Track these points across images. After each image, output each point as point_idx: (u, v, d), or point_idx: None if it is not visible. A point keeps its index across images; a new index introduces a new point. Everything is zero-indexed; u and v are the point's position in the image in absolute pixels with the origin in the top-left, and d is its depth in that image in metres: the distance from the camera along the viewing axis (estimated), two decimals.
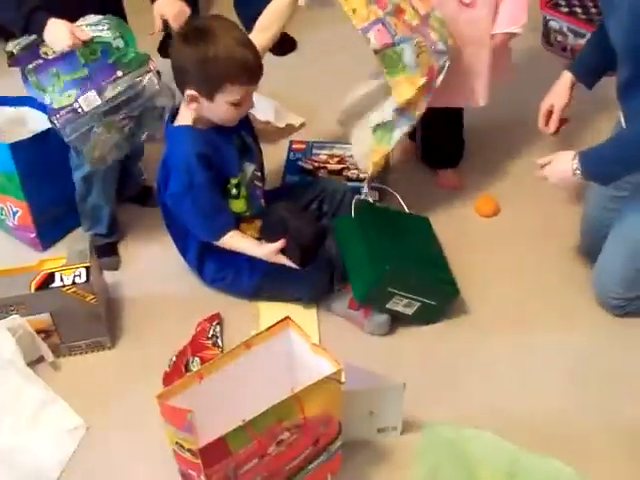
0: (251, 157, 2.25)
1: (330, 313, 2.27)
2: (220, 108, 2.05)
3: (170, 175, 2.13)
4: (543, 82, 2.34)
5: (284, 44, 3.30)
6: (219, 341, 2.19)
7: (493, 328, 2.23)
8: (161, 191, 2.25)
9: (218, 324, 2.23)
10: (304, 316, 2.24)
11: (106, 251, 2.45)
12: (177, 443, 1.63)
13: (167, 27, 2.26)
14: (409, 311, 2.17)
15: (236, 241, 2.18)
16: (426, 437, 1.94)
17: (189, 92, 2.03)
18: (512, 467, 1.86)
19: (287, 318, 1.75)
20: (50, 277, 2.07)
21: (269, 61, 2.10)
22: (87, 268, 2.08)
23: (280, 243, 2.09)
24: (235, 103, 2.04)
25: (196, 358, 2.14)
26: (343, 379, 1.67)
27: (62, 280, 2.06)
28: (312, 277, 2.22)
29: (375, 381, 1.90)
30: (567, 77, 2.26)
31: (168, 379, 2.10)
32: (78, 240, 2.20)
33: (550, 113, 2.28)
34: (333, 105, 2.51)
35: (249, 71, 2.01)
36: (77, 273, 2.07)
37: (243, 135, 2.23)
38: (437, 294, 2.16)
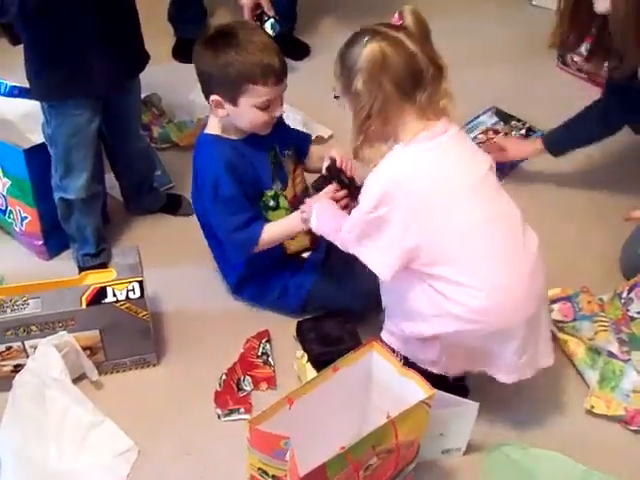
0: (282, 176, 2.19)
1: None
2: (246, 112, 2.01)
3: (199, 190, 2.10)
4: (556, 102, 2.37)
5: (298, 49, 3.29)
6: (270, 359, 2.13)
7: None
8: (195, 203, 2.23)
9: (267, 342, 2.17)
10: None
11: None
12: (259, 469, 1.59)
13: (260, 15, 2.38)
14: None
15: (273, 232, 2.10)
16: (491, 458, 1.92)
17: (213, 97, 2.00)
18: None
19: (372, 340, 1.72)
20: (102, 292, 1.98)
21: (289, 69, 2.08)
22: (140, 282, 2.00)
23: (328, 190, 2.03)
24: (261, 106, 1.99)
25: (247, 377, 2.09)
26: None
27: (115, 295, 1.97)
28: (364, 287, 2.13)
29: (448, 401, 1.87)
30: (538, 143, 2.58)
31: (220, 398, 2.04)
32: (125, 253, 2.10)
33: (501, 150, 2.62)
34: None
35: (270, 71, 1.97)
36: (130, 288, 1.99)
37: (277, 150, 2.17)
38: None
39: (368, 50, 1.64)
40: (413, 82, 1.65)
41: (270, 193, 2.15)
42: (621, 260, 2.36)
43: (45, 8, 1.93)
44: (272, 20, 2.85)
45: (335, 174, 2.05)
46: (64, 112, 2.10)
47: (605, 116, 2.45)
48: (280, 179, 2.18)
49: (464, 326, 1.71)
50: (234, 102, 1.99)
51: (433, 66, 1.67)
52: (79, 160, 2.19)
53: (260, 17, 2.85)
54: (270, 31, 2.80)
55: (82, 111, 2.12)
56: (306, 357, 2.06)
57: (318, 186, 2.07)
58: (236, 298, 2.30)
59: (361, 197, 1.76)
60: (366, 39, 1.66)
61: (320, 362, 2.00)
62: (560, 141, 2.55)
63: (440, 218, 1.69)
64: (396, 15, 1.70)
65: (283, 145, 2.19)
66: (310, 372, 2.02)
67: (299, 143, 2.27)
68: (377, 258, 1.74)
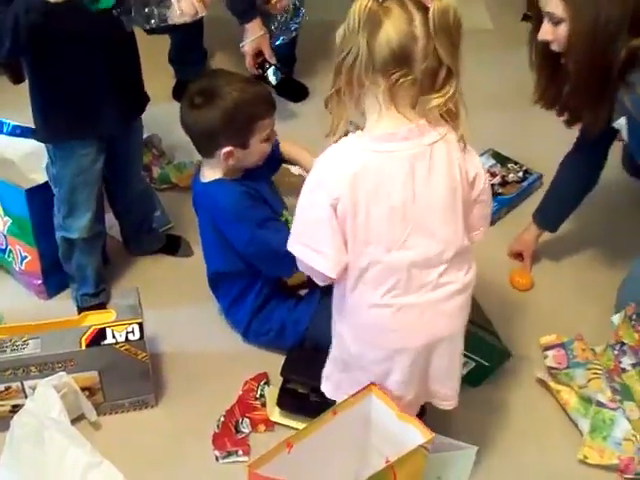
0: (282, 203, 2.26)
1: None
2: (256, 150, 2.06)
3: (229, 233, 2.10)
4: (552, 144, 2.45)
5: (298, 91, 3.32)
6: None
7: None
8: (208, 257, 2.24)
9: (266, 384, 2.17)
10: None
11: None
12: None
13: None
14: (464, 371, 2.15)
15: None
16: None
17: (224, 150, 2.02)
18: None
19: (371, 384, 1.72)
20: (101, 333, 1.98)
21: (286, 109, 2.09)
22: (140, 324, 2.01)
23: None
24: (267, 138, 2.06)
25: (245, 419, 2.09)
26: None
27: (114, 336, 1.98)
28: None
29: (446, 445, 1.87)
30: (533, 228, 2.54)
31: (218, 440, 2.04)
32: (125, 295, 2.12)
33: (519, 256, 2.57)
34: None
35: (269, 102, 2.06)
36: (130, 329, 1.99)
37: (271, 182, 2.25)
38: (492, 355, 2.16)
39: (360, 2, 1.47)
40: (393, 58, 1.47)
41: (286, 213, 2.21)
42: (617, 305, 2.37)
43: (47, 50, 1.95)
44: (274, 68, 2.89)
45: None
46: (69, 153, 2.12)
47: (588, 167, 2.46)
48: (283, 205, 2.24)
49: None
50: (245, 146, 2.03)
51: (435, 61, 1.48)
52: (83, 200, 2.20)
53: (262, 65, 2.89)
54: (272, 78, 2.84)
55: (88, 151, 2.14)
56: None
57: None
58: (235, 339, 2.30)
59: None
60: None
61: (283, 389, 2.07)
62: (551, 216, 2.55)
63: (362, 231, 1.57)
64: None
65: (268, 177, 2.26)
66: (271, 398, 2.10)
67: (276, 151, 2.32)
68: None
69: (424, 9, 1.46)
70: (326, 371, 1.84)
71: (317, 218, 1.56)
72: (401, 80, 1.48)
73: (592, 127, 2.17)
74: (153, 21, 1.91)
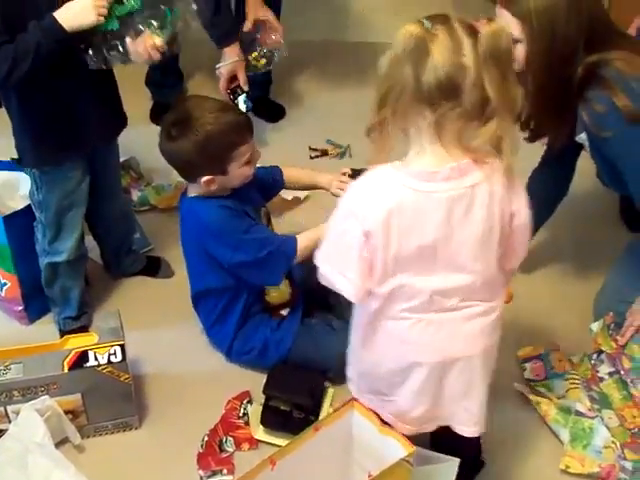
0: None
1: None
2: (236, 174, 2.08)
3: (214, 248, 2.12)
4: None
5: (274, 111, 3.34)
6: None
7: None
8: (192, 274, 2.26)
9: (249, 402, 2.19)
10: None
11: None
12: None
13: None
14: None
15: (306, 240, 2.15)
16: None
17: (204, 179, 2.05)
18: None
19: (352, 400, 1.75)
20: (83, 356, 1.99)
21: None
22: (122, 346, 2.02)
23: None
24: (247, 162, 2.08)
25: (229, 438, 2.10)
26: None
27: (97, 359, 1.99)
28: (340, 347, 2.19)
29: (428, 458, 1.89)
30: None
31: (202, 460, 2.05)
32: (106, 317, 2.13)
33: None
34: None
35: (245, 127, 2.07)
36: (112, 351, 2.01)
37: (255, 206, 2.25)
38: None
39: (406, 29, 1.40)
40: (440, 90, 1.40)
41: None
42: (594, 313, 2.40)
43: (35, 80, 1.95)
44: (244, 96, 2.89)
45: None
46: (56, 176, 2.14)
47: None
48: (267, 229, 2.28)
49: None
50: (224, 172, 2.06)
51: (483, 92, 1.40)
52: (70, 222, 2.22)
53: (234, 91, 2.89)
54: (242, 106, 2.85)
55: (74, 173, 2.16)
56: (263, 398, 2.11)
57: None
58: (217, 359, 2.32)
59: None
60: (424, 21, 1.42)
61: (266, 407, 2.09)
62: None
63: (391, 263, 1.55)
64: (483, 20, 1.46)
65: (258, 200, 2.28)
66: (255, 416, 2.12)
67: (272, 178, 2.37)
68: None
69: (474, 34, 1.41)
70: (349, 373, 1.83)
71: (348, 245, 1.54)
72: (448, 113, 1.42)
73: (555, 142, 2.24)
74: (110, 63, 1.97)
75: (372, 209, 1.50)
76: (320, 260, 1.62)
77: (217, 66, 2.87)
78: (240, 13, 2.95)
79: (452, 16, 1.44)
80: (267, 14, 2.91)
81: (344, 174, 2.30)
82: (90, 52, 1.93)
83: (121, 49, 1.94)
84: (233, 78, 2.88)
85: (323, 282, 1.64)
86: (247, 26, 2.89)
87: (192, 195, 2.16)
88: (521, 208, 1.60)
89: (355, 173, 2.23)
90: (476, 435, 1.79)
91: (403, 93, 1.43)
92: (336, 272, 1.59)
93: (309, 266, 2.23)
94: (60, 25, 1.85)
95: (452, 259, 1.55)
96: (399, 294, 1.58)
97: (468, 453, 1.96)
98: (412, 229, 1.50)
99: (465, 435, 1.77)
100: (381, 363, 1.70)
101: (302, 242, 2.15)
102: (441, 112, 1.42)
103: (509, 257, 1.66)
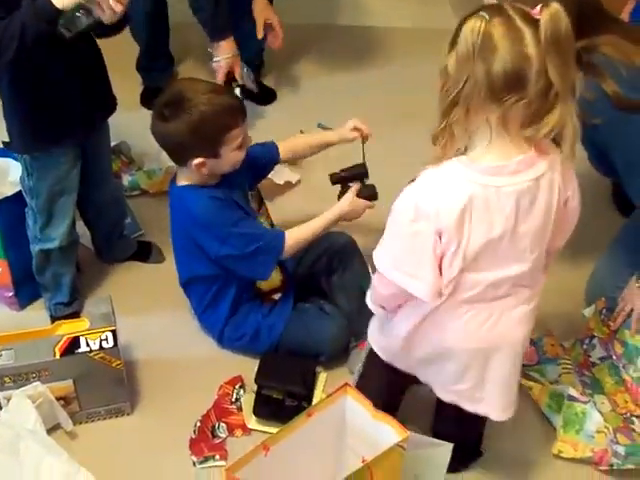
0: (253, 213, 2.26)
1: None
2: (228, 158, 2.06)
3: (202, 239, 2.10)
4: None
5: (265, 95, 3.32)
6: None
7: None
8: (180, 262, 2.25)
9: (241, 387, 2.18)
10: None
11: None
12: None
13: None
14: None
15: (297, 235, 2.17)
16: None
17: (195, 162, 2.02)
18: None
19: (346, 385, 1.74)
20: (75, 341, 1.98)
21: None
22: (113, 331, 2.01)
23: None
24: (239, 146, 2.06)
25: (222, 424, 2.10)
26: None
27: (88, 345, 1.98)
28: (332, 331, 2.22)
29: (422, 443, 1.89)
30: None
31: (195, 445, 2.05)
32: (98, 303, 2.12)
33: None
34: (328, 162, 2.47)
35: (238, 111, 2.05)
36: (103, 337, 1.99)
37: (245, 190, 2.24)
38: None
39: (469, 26, 1.40)
40: (507, 84, 1.40)
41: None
42: (586, 301, 2.40)
43: (24, 63, 1.91)
44: (239, 89, 2.90)
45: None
46: (47, 162, 2.12)
47: None
48: (255, 214, 2.26)
49: None
50: (216, 156, 2.03)
51: (547, 80, 1.40)
52: (62, 208, 2.20)
53: (229, 82, 2.90)
54: None
55: (66, 159, 2.14)
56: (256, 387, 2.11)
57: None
58: (209, 344, 2.31)
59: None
60: (483, 14, 1.41)
61: (258, 396, 2.09)
62: None
63: (459, 259, 1.57)
64: (538, 7, 1.42)
65: (248, 183, 2.27)
66: (247, 405, 2.12)
67: (267, 157, 2.36)
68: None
69: (533, 22, 1.40)
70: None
71: (422, 247, 1.55)
72: (514, 105, 1.42)
73: None
74: (78, 27, 1.84)
75: (445, 207, 1.51)
76: (387, 269, 1.63)
77: (215, 59, 2.86)
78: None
79: (506, 5, 1.43)
80: (273, 18, 2.99)
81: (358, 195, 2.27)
82: (60, 21, 1.82)
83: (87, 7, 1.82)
84: (230, 71, 2.88)
85: (389, 290, 1.67)
86: (259, 32, 2.99)
87: (182, 184, 2.13)
88: (574, 192, 1.64)
89: (347, 176, 2.27)
90: (504, 419, 1.81)
91: (477, 90, 1.43)
92: (407, 276, 1.60)
93: (300, 253, 2.26)
94: (54, 6, 1.79)
95: (513, 250, 1.58)
96: (460, 289, 1.61)
97: (470, 441, 2.00)
98: (482, 224, 1.53)
99: (493, 419, 1.81)
100: (419, 348, 1.74)
101: (291, 238, 2.14)
102: (507, 105, 1.42)
103: (555, 237, 1.68)
